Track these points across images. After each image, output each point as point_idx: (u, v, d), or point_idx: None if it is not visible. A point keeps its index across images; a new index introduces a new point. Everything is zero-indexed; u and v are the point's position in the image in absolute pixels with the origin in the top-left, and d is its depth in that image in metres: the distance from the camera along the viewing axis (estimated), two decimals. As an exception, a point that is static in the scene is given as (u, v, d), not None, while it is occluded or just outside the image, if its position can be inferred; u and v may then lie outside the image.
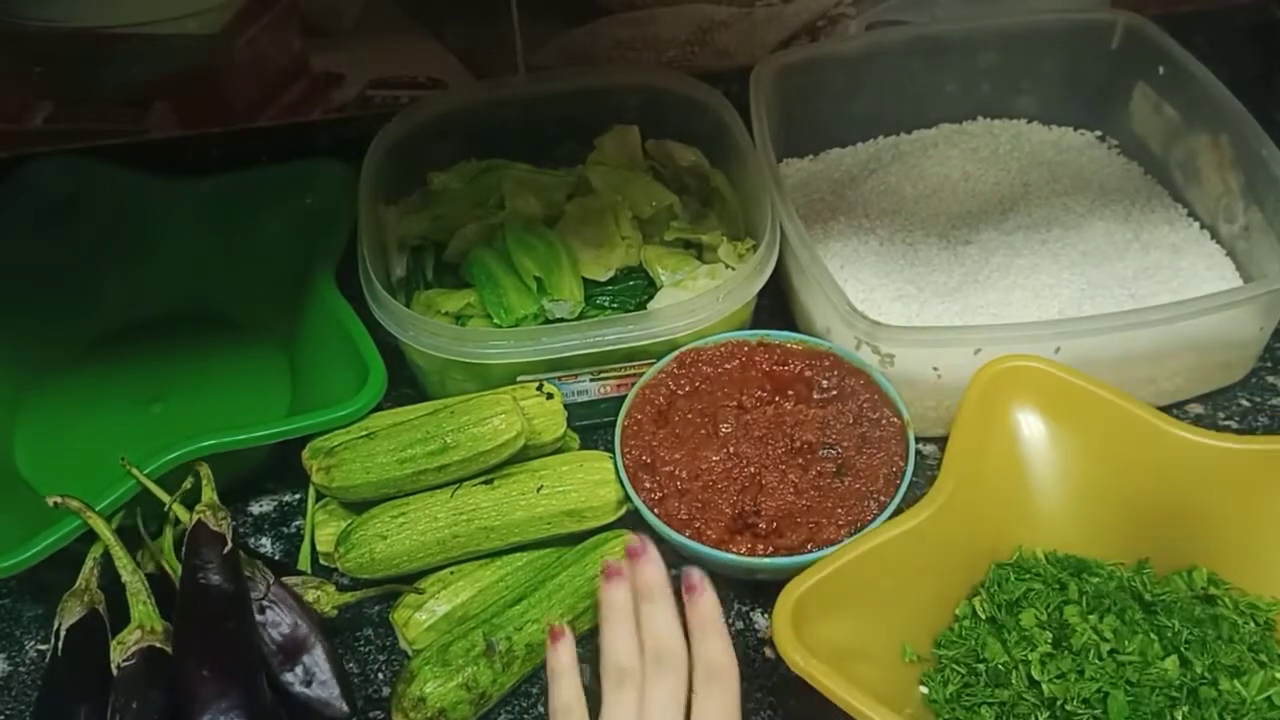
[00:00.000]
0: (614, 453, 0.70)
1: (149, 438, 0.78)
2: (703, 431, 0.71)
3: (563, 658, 0.57)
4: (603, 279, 0.79)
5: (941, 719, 0.61)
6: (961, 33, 0.92)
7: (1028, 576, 0.65)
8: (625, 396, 0.73)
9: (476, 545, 0.68)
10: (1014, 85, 0.94)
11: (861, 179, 0.91)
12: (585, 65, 0.94)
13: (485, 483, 0.69)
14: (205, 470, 0.66)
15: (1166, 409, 0.73)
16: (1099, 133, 0.94)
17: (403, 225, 0.83)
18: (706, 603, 0.56)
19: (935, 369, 0.73)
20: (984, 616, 0.65)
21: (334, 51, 0.91)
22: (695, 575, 0.57)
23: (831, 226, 0.86)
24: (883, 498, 0.67)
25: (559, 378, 0.74)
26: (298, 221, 0.86)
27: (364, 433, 0.70)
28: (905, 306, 0.80)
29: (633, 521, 0.70)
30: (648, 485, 0.69)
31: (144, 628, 0.61)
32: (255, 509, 0.76)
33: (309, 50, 0.91)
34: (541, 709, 0.65)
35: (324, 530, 0.70)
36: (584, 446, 0.76)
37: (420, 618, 0.66)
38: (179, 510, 0.66)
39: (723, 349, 0.75)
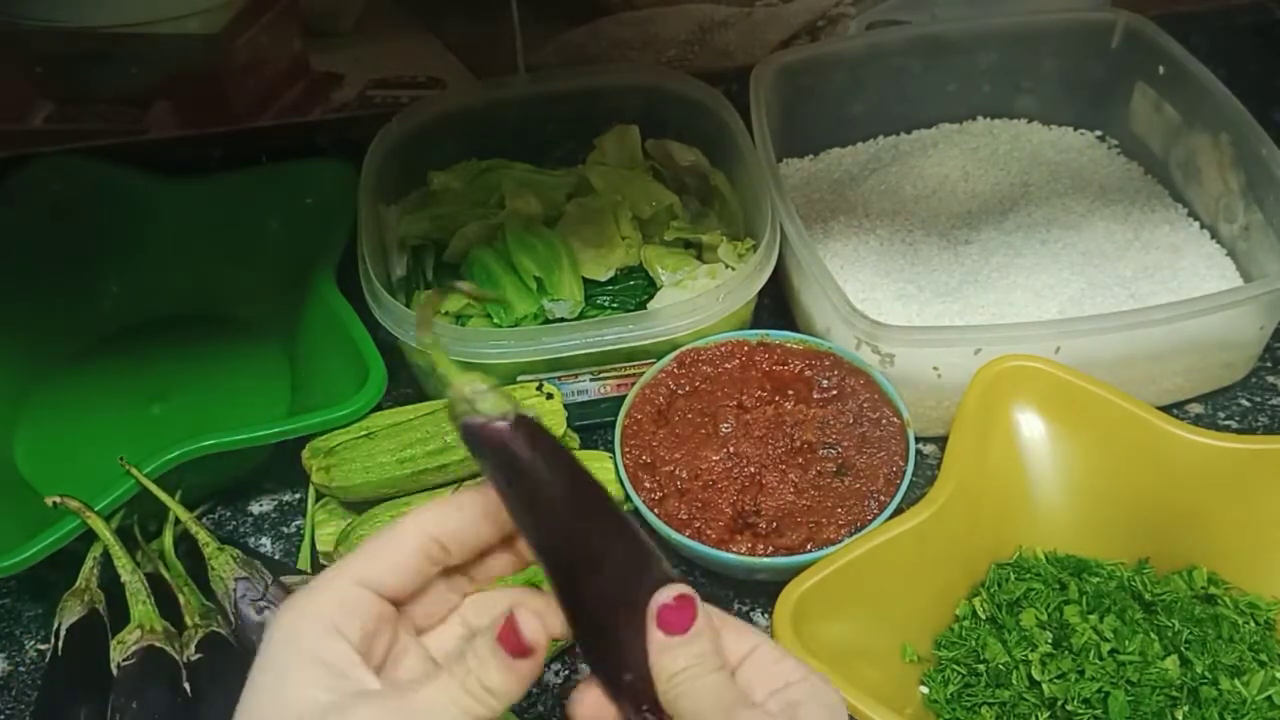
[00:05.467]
0: (614, 453, 0.70)
1: (149, 438, 0.78)
2: (703, 431, 0.71)
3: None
4: (603, 279, 0.79)
5: (942, 719, 0.61)
6: (961, 33, 0.92)
7: (1028, 576, 0.65)
8: (625, 396, 0.73)
9: (476, 545, 0.68)
10: (1014, 85, 0.94)
11: (861, 179, 0.91)
12: (585, 65, 0.94)
13: (485, 483, 0.69)
14: None
15: (1166, 409, 0.73)
16: (1099, 133, 0.94)
17: (403, 225, 0.83)
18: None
19: (935, 369, 0.73)
20: (984, 616, 0.65)
21: (334, 51, 0.91)
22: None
23: (831, 226, 0.86)
24: (883, 498, 0.67)
25: (559, 378, 0.74)
26: (298, 221, 0.86)
27: (364, 433, 0.70)
28: (905, 306, 0.80)
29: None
30: (648, 485, 0.69)
31: (144, 627, 0.61)
32: (255, 509, 0.76)
33: (309, 50, 0.91)
34: (541, 708, 0.65)
35: (324, 530, 0.70)
36: (584, 446, 0.76)
37: (420, 618, 0.66)
38: (179, 510, 0.66)
39: (723, 349, 0.75)
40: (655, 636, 0.40)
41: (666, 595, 0.40)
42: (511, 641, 0.39)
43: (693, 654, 0.40)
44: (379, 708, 0.38)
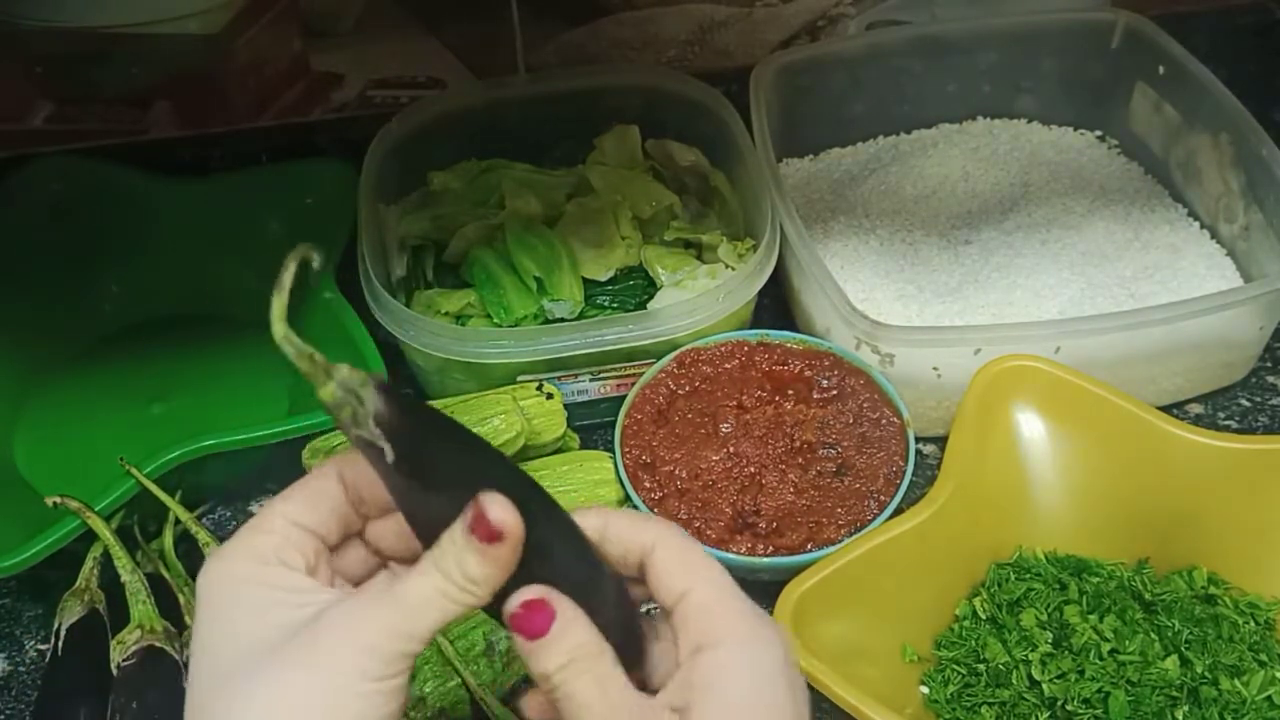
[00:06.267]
0: (614, 453, 0.70)
1: (149, 438, 0.78)
2: (703, 431, 0.71)
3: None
4: (603, 279, 0.79)
5: (942, 719, 0.61)
6: (961, 33, 0.92)
7: (1028, 576, 0.65)
8: (625, 396, 0.73)
9: (476, 545, 0.68)
10: (1014, 85, 0.94)
11: (861, 179, 0.91)
12: (585, 65, 0.94)
13: (485, 483, 0.69)
14: None
15: (1166, 409, 0.73)
16: (1099, 133, 0.94)
17: (403, 225, 0.83)
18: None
19: (935, 369, 0.73)
20: (984, 616, 0.65)
21: (334, 51, 0.91)
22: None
23: (831, 226, 0.86)
24: (883, 498, 0.67)
25: (559, 378, 0.74)
26: (298, 221, 0.86)
27: (364, 433, 0.70)
28: (905, 306, 0.80)
29: (633, 521, 0.70)
30: (648, 485, 0.69)
31: (144, 627, 0.61)
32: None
33: (309, 50, 0.91)
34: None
35: (324, 530, 0.70)
36: (584, 446, 0.76)
37: (420, 618, 0.66)
38: (179, 510, 0.66)
39: (723, 349, 0.75)
40: (519, 643, 0.38)
41: (513, 604, 0.38)
42: (482, 529, 0.36)
43: (566, 649, 0.37)
44: (362, 607, 0.37)
